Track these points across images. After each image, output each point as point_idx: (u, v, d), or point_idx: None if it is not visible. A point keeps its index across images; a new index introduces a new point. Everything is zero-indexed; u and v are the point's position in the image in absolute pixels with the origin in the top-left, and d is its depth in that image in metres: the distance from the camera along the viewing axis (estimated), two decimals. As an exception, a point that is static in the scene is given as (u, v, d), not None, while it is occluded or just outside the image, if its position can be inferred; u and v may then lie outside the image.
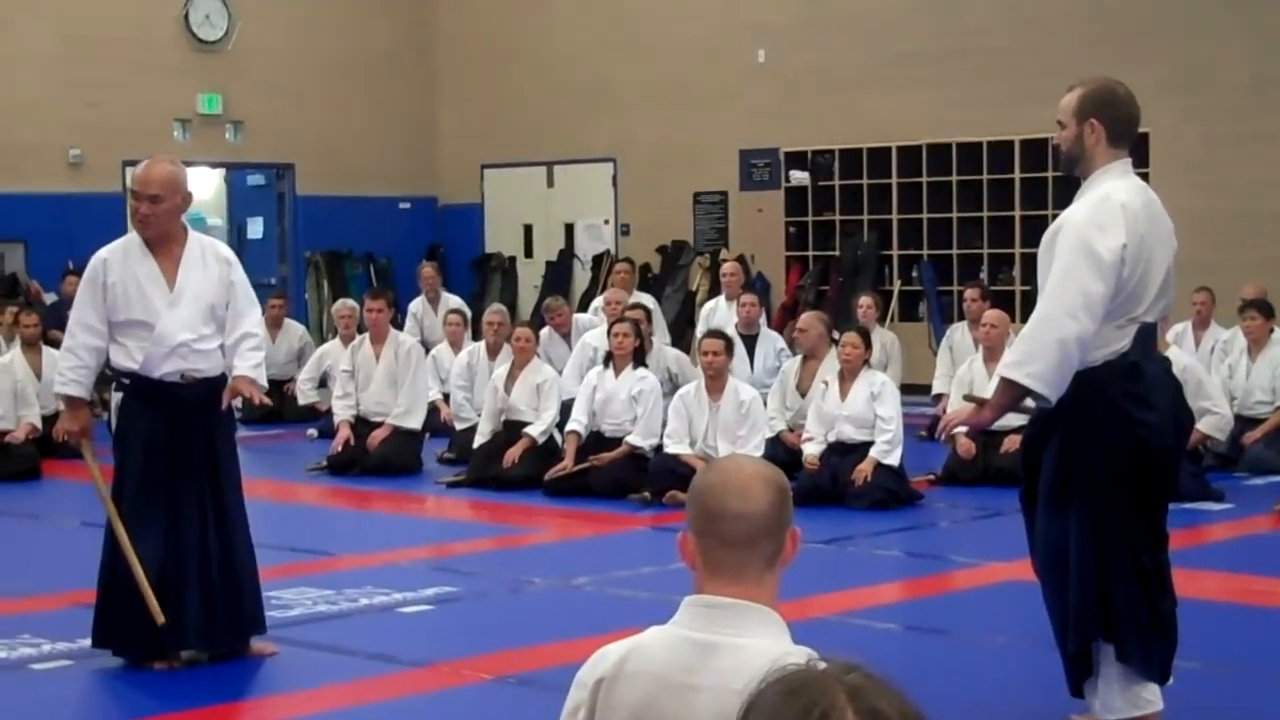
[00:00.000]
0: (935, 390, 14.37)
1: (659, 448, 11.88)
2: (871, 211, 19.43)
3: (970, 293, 14.71)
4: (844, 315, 16.79)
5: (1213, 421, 11.67)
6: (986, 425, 6.26)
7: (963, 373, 12.83)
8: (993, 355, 12.63)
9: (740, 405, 11.69)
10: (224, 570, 7.31)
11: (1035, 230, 18.12)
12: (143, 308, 7.24)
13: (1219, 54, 16.85)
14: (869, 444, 11.55)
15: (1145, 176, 17.45)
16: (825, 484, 11.51)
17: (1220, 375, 12.95)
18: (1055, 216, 19.50)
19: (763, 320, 15.33)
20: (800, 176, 19.94)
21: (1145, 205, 5.88)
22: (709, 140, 20.26)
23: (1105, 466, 5.82)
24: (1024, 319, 18.21)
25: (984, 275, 18.26)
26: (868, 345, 12.27)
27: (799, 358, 13.19)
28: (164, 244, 7.31)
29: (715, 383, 11.73)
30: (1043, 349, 5.68)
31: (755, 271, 19.77)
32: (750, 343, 14.38)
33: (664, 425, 11.91)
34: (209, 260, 7.41)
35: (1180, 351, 12.44)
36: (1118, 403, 5.79)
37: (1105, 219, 5.74)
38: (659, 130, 20.69)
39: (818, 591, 8.68)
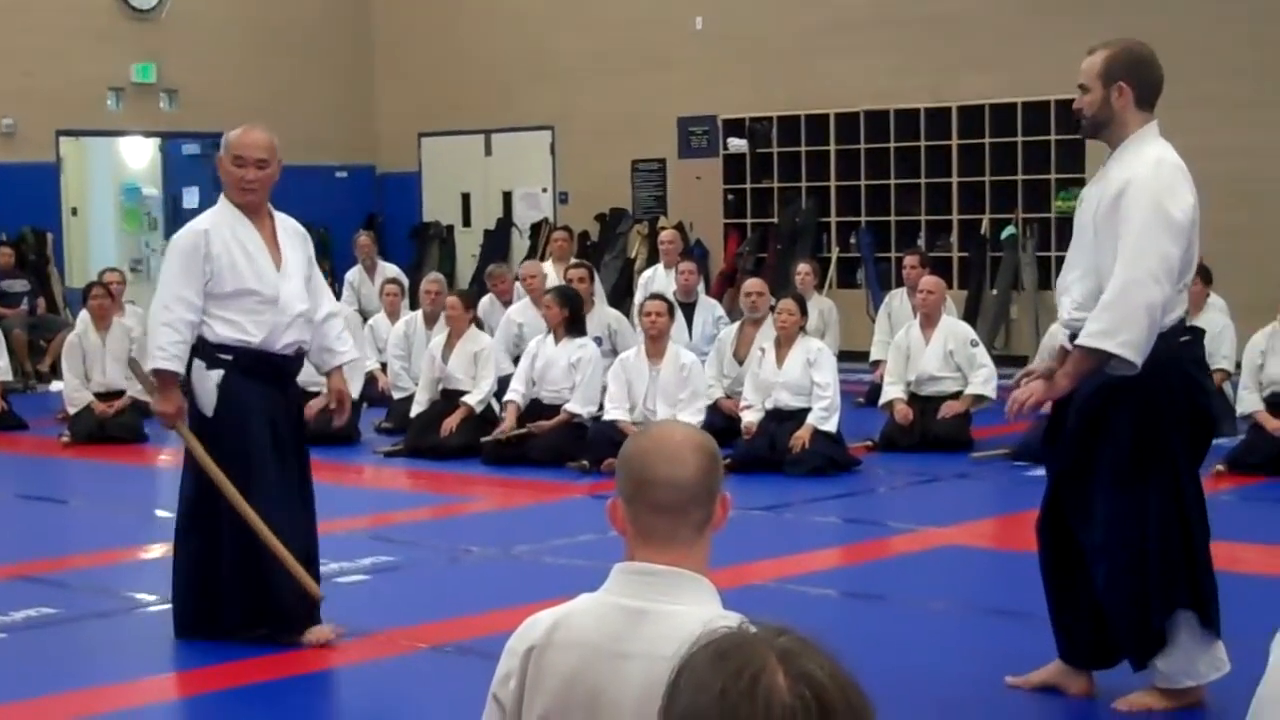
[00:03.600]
0: (873, 356, 14.40)
1: (598, 416, 11.87)
2: (809, 179, 19.44)
3: (909, 259, 14.72)
4: (782, 282, 16.79)
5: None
6: (1061, 396, 5.98)
7: (900, 339, 12.86)
8: (929, 321, 12.68)
9: (681, 369, 11.70)
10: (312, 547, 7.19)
11: (972, 197, 18.30)
12: (256, 277, 6.98)
13: (1160, 21, 16.88)
14: (806, 411, 11.56)
15: (1081, 143, 17.66)
16: (763, 451, 11.51)
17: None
18: (993, 184, 19.61)
19: (701, 288, 15.34)
20: (738, 144, 19.92)
21: (1186, 169, 5.79)
22: (647, 108, 20.22)
23: (1183, 436, 5.76)
24: (962, 285, 18.44)
25: (922, 242, 18.31)
26: (803, 312, 12.28)
27: (736, 325, 13.20)
28: (259, 213, 7.10)
29: (656, 345, 11.72)
30: (1131, 316, 5.55)
31: (693, 239, 19.77)
32: (688, 310, 14.37)
33: (604, 392, 11.90)
34: (291, 232, 7.24)
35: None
36: (1188, 370, 5.77)
37: (1172, 181, 5.66)
38: (597, 98, 20.64)
39: (756, 558, 8.69)
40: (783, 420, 11.63)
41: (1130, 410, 5.74)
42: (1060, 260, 16.84)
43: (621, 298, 18.54)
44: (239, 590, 6.98)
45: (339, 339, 7.33)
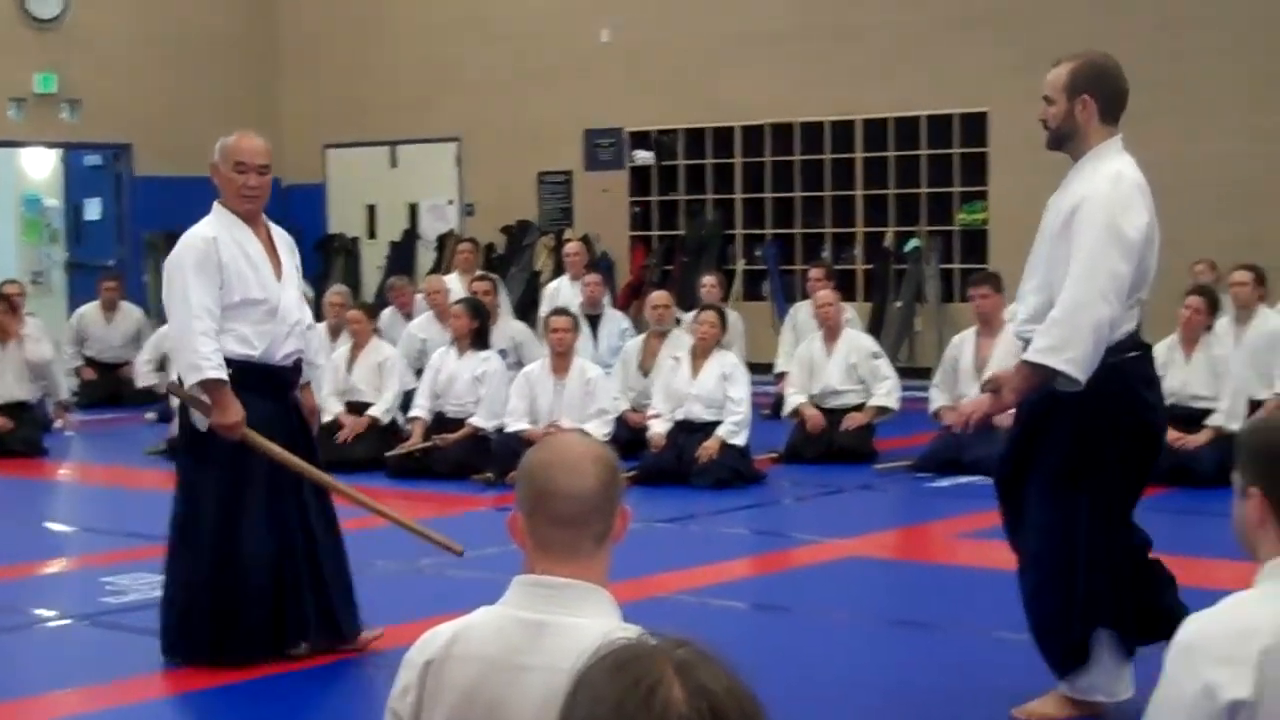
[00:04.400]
0: (778, 368, 14.44)
1: (502, 429, 11.84)
2: (715, 191, 19.50)
3: (814, 272, 14.78)
4: (688, 295, 16.82)
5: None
6: (1007, 410, 6.03)
7: (802, 352, 12.93)
8: (830, 334, 12.73)
9: (586, 383, 11.69)
10: (336, 562, 7.07)
11: (877, 210, 18.40)
12: (259, 285, 6.86)
13: (1063, 35, 17.04)
14: (716, 424, 11.58)
15: (984, 156, 17.80)
16: (669, 463, 11.52)
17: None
18: (897, 197, 19.74)
19: (607, 300, 15.35)
20: (644, 156, 19.95)
21: (1145, 185, 5.80)
22: (553, 120, 20.21)
23: (1119, 450, 5.74)
24: (866, 298, 18.51)
25: (827, 254, 18.39)
26: (723, 324, 12.33)
27: (641, 337, 13.22)
28: (257, 221, 6.99)
29: (562, 360, 11.71)
30: (1078, 334, 5.55)
31: (599, 251, 19.76)
32: (594, 322, 14.39)
33: (508, 404, 11.87)
34: (283, 240, 7.15)
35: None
36: (1133, 385, 5.76)
37: (1127, 198, 5.66)
38: (503, 110, 20.61)
39: (662, 569, 8.70)
40: (692, 432, 11.65)
41: (1069, 421, 5.75)
42: (964, 273, 17.07)
43: (527, 310, 18.50)
44: (209, 617, 6.88)
45: (318, 353, 7.31)
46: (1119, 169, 5.73)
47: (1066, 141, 5.90)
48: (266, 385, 6.92)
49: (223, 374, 6.70)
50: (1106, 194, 5.65)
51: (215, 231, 6.87)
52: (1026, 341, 5.79)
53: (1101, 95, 5.81)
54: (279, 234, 7.15)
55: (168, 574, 7.05)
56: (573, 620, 2.90)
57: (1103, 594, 5.82)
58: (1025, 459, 5.96)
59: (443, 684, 2.96)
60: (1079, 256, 5.61)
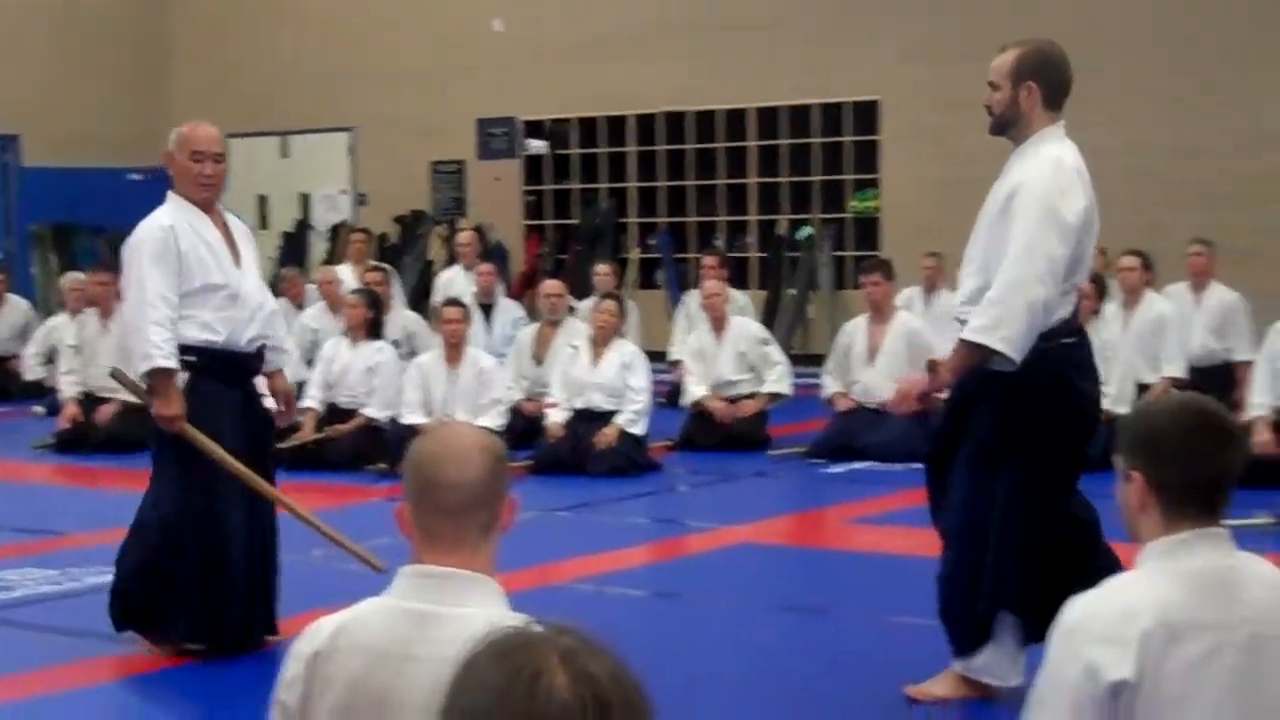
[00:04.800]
0: (672, 356, 14.46)
1: (396, 419, 11.78)
2: (608, 180, 19.51)
3: (707, 260, 14.81)
4: (582, 283, 16.83)
5: (941, 383, 11.91)
6: (943, 389, 6.06)
7: (693, 343, 12.95)
8: (718, 325, 12.73)
9: (480, 373, 11.66)
10: (272, 554, 7.06)
11: (769, 198, 18.47)
12: (220, 270, 6.82)
13: (952, 24, 17.18)
14: (615, 413, 11.59)
15: (875, 145, 17.91)
16: (566, 453, 11.51)
17: (948, 338, 13.19)
18: (789, 185, 19.81)
19: (500, 289, 15.32)
20: (538, 145, 19.93)
21: (1086, 174, 5.81)
22: (446, 109, 20.14)
23: (1045, 433, 5.74)
24: (760, 285, 18.56)
25: (720, 242, 18.44)
26: (622, 313, 12.33)
27: (534, 326, 13.20)
28: (213, 208, 6.97)
29: (455, 351, 11.67)
30: (1014, 314, 5.59)
31: (493, 240, 19.71)
32: (487, 311, 14.36)
33: (401, 395, 11.82)
34: (240, 228, 7.13)
35: (910, 315, 12.69)
36: (1065, 370, 5.77)
37: (1066, 183, 5.68)
38: (396, 100, 20.50)
39: (559, 558, 8.71)
40: (591, 420, 11.64)
41: (997, 401, 5.78)
42: (857, 261, 17.14)
43: (421, 300, 18.42)
44: (192, 605, 6.80)
45: (284, 338, 7.27)
46: (1059, 155, 5.76)
47: (1010, 127, 5.92)
48: (231, 371, 6.90)
49: (172, 364, 6.67)
50: (1046, 179, 5.69)
51: (172, 219, 6.84)
52: (964, 323, 5.82)
53: (1046, 82, 5.84)
54: (235, 222, 7.15)
55: (139, 559, 6.93)
56: (460, 610, 2.89)
57: (1010, 576, 5.83)
58: (955, 439, 5.98)
59: (330, 675, 2.94)
60: (1016, 239, 5.65)
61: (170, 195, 6.99)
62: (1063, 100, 5.89)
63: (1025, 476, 5.80)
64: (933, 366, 6.07)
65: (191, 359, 6.77)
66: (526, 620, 2.14)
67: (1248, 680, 3.01)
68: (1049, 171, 5.70)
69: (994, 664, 5.94)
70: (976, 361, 5.74)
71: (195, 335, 6.78)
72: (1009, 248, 5.66)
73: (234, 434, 6.85)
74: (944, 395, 6.25)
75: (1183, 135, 15.54)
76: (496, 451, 3.05)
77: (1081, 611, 3.08)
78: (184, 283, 6.76)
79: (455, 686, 1.91)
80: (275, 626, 7.07)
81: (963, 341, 5.77)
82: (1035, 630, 5.84)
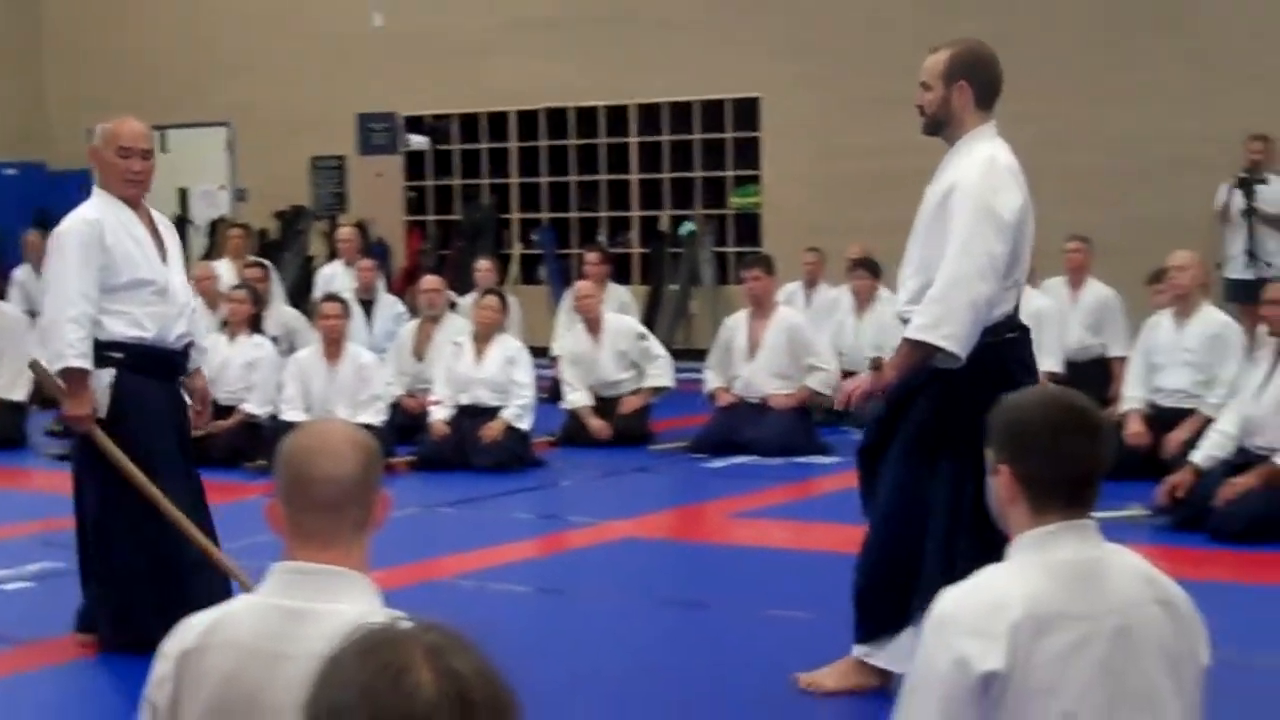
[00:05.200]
0: (554, 351, 14.45)
1: (275, 416, 11.69)
2: (491, 176, 19.48)
3: (589, 256, 14.83)
4: (464, 279, 16.77)
5: (821, 378, 12.01)
6: (889, 387, 6.01)
7: (570, 346, 12.89)
8: (593, 325, 12.68)
9: (360, 369, 11.58)
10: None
11: (651, 194, 18.50)
12: (148, 266, 6.71)
13: (833, 20, 17.29)
14: (499, 408, 11.56)
15: (756, 141, 17.98)
16: (449, 449, 11.47)
17: (829, 333, 13.31)
18: (671, 181, 19.73)
19: (381, 285, 15.25)
20: (419, 141, 19.85)
21: (1018, 168, 5.83)
22: (326, 104, 20.01)
23: (981, 428, 5.74)
24: (643, 280, 18.58)
25: (603, 238, 18.45)
26: (505, 308, 12.30)
27: (414, 323, 13.15)
28: (139, 204, 6.85)
29: (334, 347, 11.60)
30: (956, 311, 5.61)
31: (374, 236, 19.61)
32: (368, 308, 14.29)
33: (280, 391, 11.73)
34: (165, 224, 7.01)
35: (791, 310, 12.76)
36: (1008, 366, 5.76)
37: (1000, 181, 5.69)
38: (275, 94, 20.34)
39: (443, 553, 8.70)
40: (475, 416, 11.61)
41: (936, 394, 5.80)
42: (738, 255, 17.17)
43: (302, 296, 18.29)
44: (160, 601, 6.60)
45: (203, 336, 7.16)
46: (992, 153, 5.77)
47: (942, 127, 5.91)
48: (160, 369, 6.81)
49: (86, 364, 6.58)
50: (980, 177, 5.71)
51: (99, 214, 6.74)
52: (907, 322, 5.85)
53: (977, 82, 5.84)
54: (159, 218, 7.05)
55: (97, 559, 6.82)
56: (332, 607, 2.87)
57: (943, 571, 5.62)
58: (890, 431, 5.98)
59: (200, 674, 2.91)
60: (955, 237, 5.67)
61: (96, 191, 6.89)
62: (994, 100, 5.91)
63: (966, 465, 5.71)
64: (878, 365, 6.09)
65: (120, 355, 6.69)
66: (394, 616, 2.14)
67: (1114, 671, 3.06)
68: (983, 170, 5.72)
69: (908, 654, 5.90)
70: (921, 359, 5.78)
71: (124, 331, 6.69)
72: (948, 247, 5.69)
73: (163, 431, 6.77)
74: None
75: (1054, 131, 15.71)
76: (369, 447, 3.03)
77: (952, 604, 3.11)
78: (111, 278, 6.67)
79: (319, 682, 1.90)
80: None
81: (906, 340, 5.80)
82: None
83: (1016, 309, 5.93)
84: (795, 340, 12.04)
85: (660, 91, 18.21)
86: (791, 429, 11.76)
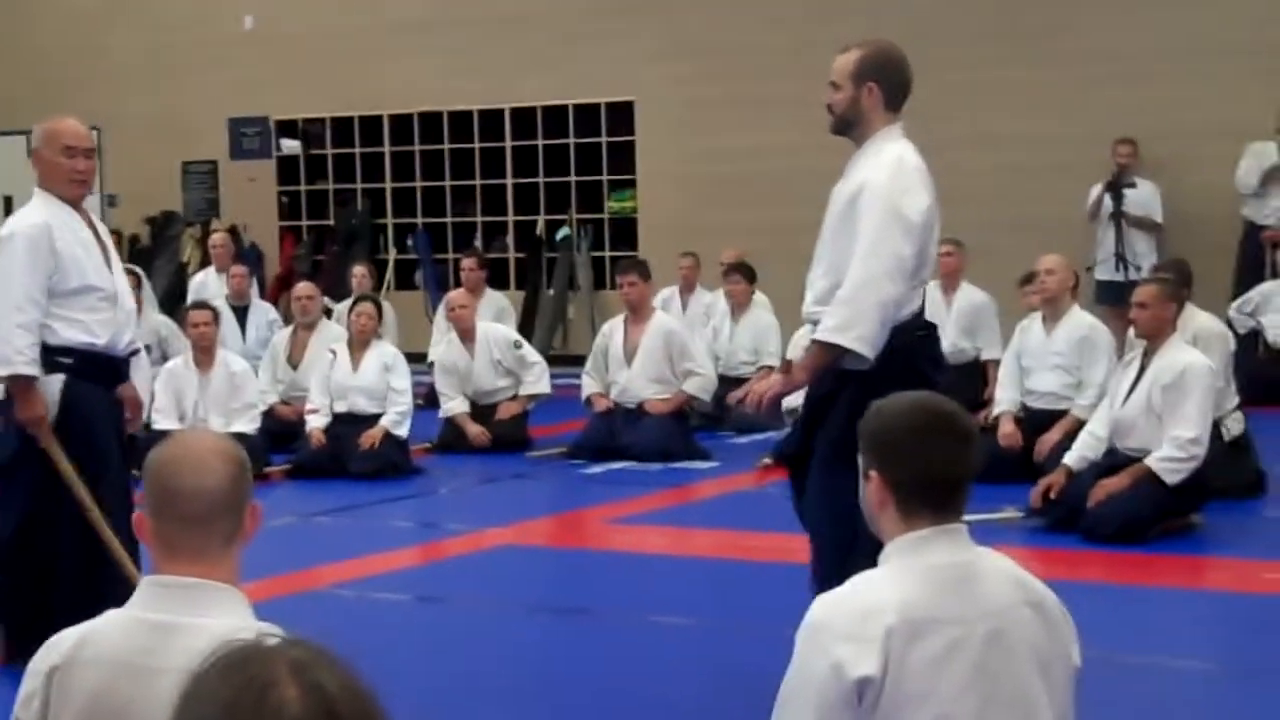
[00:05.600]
0: (431, 357, 14.38)
1: (148, 425, 11.53)
2: (365, 180, 19.37)
3: (466, 262, 14.76)
4: (340, 285, 16.68)
5: (698, 383, 12.04)
6: (799, 389, 6.03)
7: (444, 356, 12.69)
8: (467, 335, 12.57)
9: (231, 377, 11.46)
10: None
11: (527, 198, 18.47)
12: (95, 272, 6.54)
13: (707, 22, 17.35)
14: (377, 416, 11.49)
15: (632, 145, 17.99)
16: (326, 458, 11.39)
17: (705, 338, 13.35)
18: (547, 185, 19.69)
19: (254, 291, 15.12)
20: (292, 145, 19.70)
21: (925, 169, 5.84)
22: (197, 109, 19.80)
23: None
24: (519, 286, 18.53)
25: (479, 243, 18.40)
26: (380, 315, 12.23)
27: (289, 330, 13.04)
28: (80, 206, 6.68)
29: (205, 355, 11.47)
30: (864, 312, 5.61)
31: (247, 242, 19.44)
32: (241, 314, 14.16)
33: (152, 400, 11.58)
34: (102, 227, 6.84)
35: (667, 315, 12.78)
36: (917, 362, 5.77)
37: (908, 182, 5.70)
38: (145, 99, 20.10)
39: (321, 562, 8.63)
40: (353, 424, 11.53)
41: (849, 398, 5.71)
42: (614, 260, 17.18)
43: (175, 303, 18.08)
44: (80, 612, 6.49)
45: (138, 343, 7.05)
46: (900, 154, 5.79)
47: (850, 128, 5.91)
48: (106, 375, 6.70)
49: (33, 370, 6.44)
50: (888, 178, 5.71)
51: (47, 216, 6.56)
52: (816, 324, 5.86)
53: (887, 84, 5.84)
54: (97, 221, 6.90)
55: (11, 574, 6.65)
56: (201, 620, 2.84)
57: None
58: (810, 439, 5.95)
59: (69, 690, 2.87)
60: (863, 238, 5.68)
61: (37, 193, 6.69)
62: (903, 101, 5.92)
63: None
64: (787, 367, 6.10)
65: (69, 361, 6.57)
66: (264, 631, 2.11)
67: (987, 674, 3.09)
68: (891, 171, 5.73)
69: None
70: (830, 361, 5.79)
71: (75, 338, 6.57)
72: (856, 247, 5.69)
73: (107, 438, 6.68)
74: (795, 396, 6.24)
75: (930, 132, 15.83)
76: (237, 458, 2.99)
77: (826, 609, 3.13)
78: (59, 283, 6.51)
79: (183, 700, 1.88)
80: None
81: (816, 342, 5.82)
82: None
83: (922, 308, 5.97)
84: (672, 345, 12.06)
85: (535, 95, 18.20)
86: (669, 434, 11.77)
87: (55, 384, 6.56)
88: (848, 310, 5.70)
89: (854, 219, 5.75)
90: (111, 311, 6.67)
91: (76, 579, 6.57)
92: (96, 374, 6.67)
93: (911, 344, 5.84)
